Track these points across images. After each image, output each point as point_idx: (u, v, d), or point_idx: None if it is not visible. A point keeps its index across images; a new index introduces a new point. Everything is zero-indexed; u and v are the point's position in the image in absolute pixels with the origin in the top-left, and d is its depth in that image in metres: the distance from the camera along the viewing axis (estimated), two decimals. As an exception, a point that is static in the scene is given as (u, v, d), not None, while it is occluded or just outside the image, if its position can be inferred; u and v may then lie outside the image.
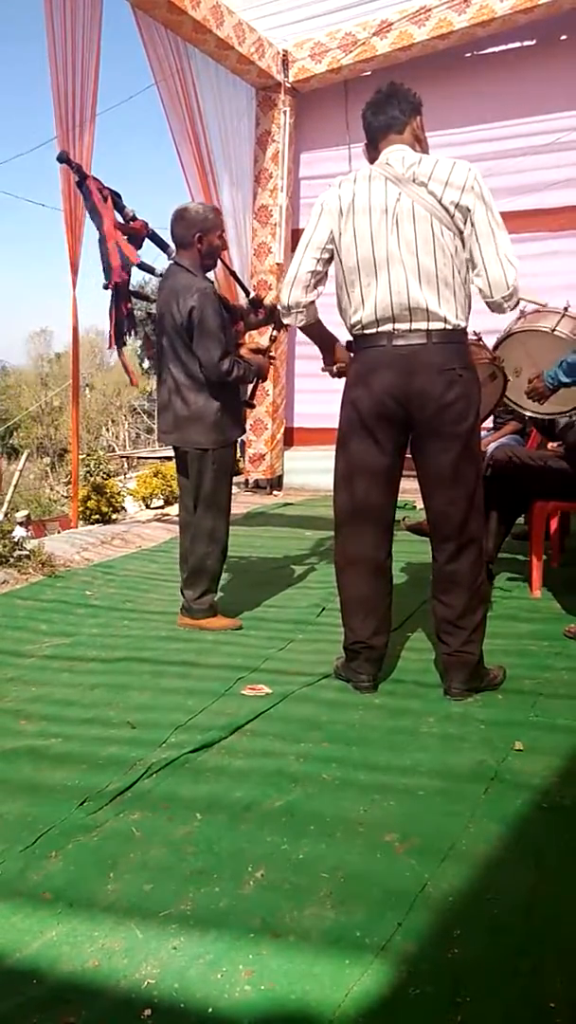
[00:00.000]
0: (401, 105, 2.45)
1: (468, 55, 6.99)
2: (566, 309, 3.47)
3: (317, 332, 2.70)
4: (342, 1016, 1.26)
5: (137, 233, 4.06)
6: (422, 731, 2.28)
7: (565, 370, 2.95)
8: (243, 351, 3.41)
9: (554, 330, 3.41)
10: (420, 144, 2.48)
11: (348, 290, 2.43)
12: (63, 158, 4.62)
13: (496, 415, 4.48)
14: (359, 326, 2.43)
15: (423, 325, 2.34)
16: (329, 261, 2.48)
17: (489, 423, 4.70)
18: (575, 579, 3.87)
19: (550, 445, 4.19)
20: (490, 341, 3.64)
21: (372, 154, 2.50)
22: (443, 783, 1.96)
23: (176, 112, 6.57)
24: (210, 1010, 1.28)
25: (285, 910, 1.51)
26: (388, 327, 2.37)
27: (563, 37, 6.67)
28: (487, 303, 2.40)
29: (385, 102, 2.46)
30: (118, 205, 4.10)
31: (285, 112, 7.42)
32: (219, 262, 3.41)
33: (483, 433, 4.48)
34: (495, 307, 2.40)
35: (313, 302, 2.54)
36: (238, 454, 8.09)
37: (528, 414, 3.70)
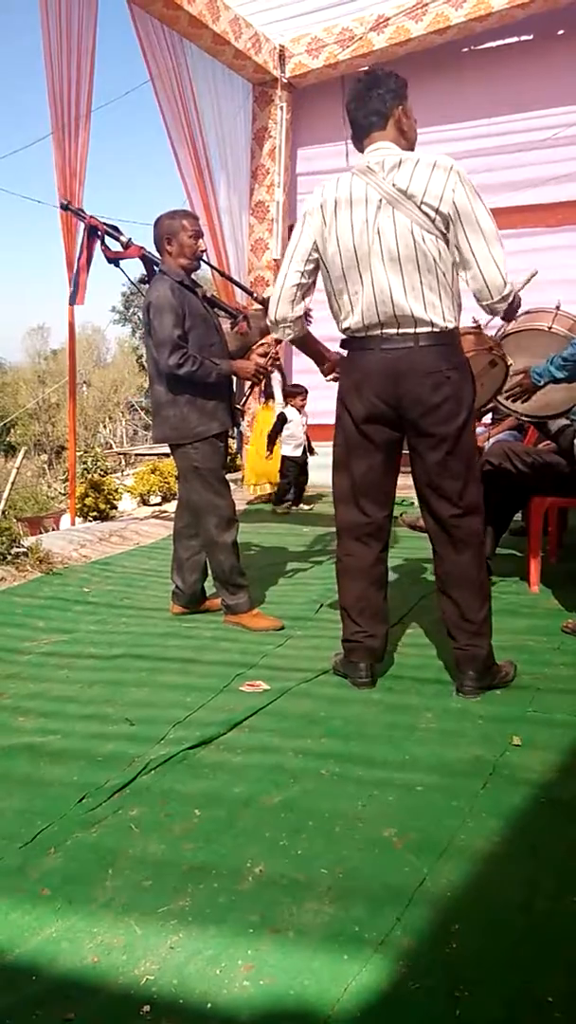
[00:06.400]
0: (384, 96, 2.37)
1: (465, 50, 6.98)
2: (558, 307, 3.47)
3: (307, 345, 2.70)
4: (341, 1011, 1.27)
5: (132, 258, 4.12)
6: (420, 726, 2.28)
7: (558, 365, 2.93)
8: (253, 356, 3.40)
9: (550, 328, 3.41)
10: (404, 136, 2.41)
11: (336, 298, 2.43)
12: (66, 207, 5.10)
13: (495, 410, 4.47)
14: (349, 331, 2.44)
15: (410, 330, 2.33)
16: (315, 271, 2.47)
17: (487, 418, 4.70)
18: (573, 575, 3.87)
19: (542, 445, 4.18)
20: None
21: (358, 147, 2.46)
22: (441, 778, 1.97)
23: (172, 108, 6.55)
24: (209, 1006, 1.29)
25: (284, 905, 1.52)
26: (376, 332, 2.37)
27: (560, 32, 6.66)
28: (482, 305, 2.37)
29: (367, 94, 2.39)
30: (114, 236, 4.20)
31: (282, 108, 7.41)
32: (209, 266, 3.45)
33: (480, 429, 4.48)
34: (490, 309, 2.37)
35: (300, 316, 2.54)
36: (233, 448, 8.07)
37: (523, 418, 3.70)
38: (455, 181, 2.25)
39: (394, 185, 2.28)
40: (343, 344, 2.53)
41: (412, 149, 2.43)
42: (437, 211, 2.25)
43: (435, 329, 2.33)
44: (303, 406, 6.50)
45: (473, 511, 2.46)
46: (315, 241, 2.41)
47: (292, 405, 6.45)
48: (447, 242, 2.30)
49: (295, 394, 6.50)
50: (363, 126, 2.42)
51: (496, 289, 2.30)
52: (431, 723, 2.30)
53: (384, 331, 2.36)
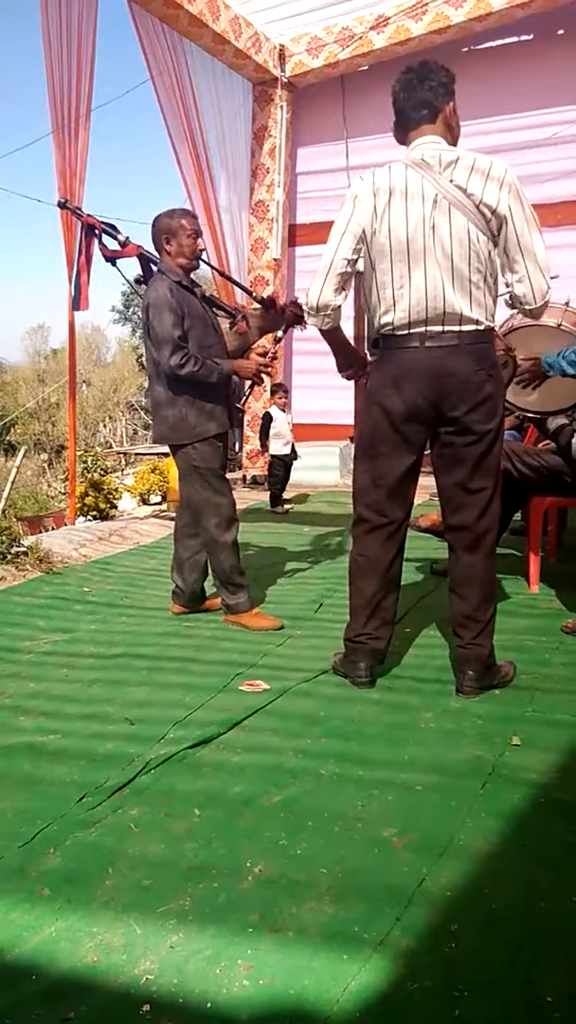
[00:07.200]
0: (436, 89, 2.34)
1: (465, 50, 6.98)
2: (567, 304, 3.46)
3: (339, 339, 2.62)
4: (340, 1011, 1.27)
5: (130, 257, 4.12)
6: (420, 726, 2.28)
7: (569, 361, 2.94)
8: (253, 355, 3.40)
9: (560, 325, 3.40)
10: (451, 132, 2.39)
11: (379, 291, 2.38)
12: (63, 204, 5.04)
13: None
14: (389, 327, 2.39)
15: (455, 328, 2.32)
16: (359, 259, 2.41)
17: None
18: (572, 575, 3.87)
19: (542, 444, 4.18)
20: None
21: (401, 137, 2.43)
22: (441, 778, 1.97)
23: (172, 108, 6.55)
24: (209, 1005, 1.29)
25: (283, 905, 1.52)
26: (420, 329, 2.35)
27: (560, 32, 6.67)
28: (524, 309, 2.38)
29: (418, 85, 2.35)
30: (111, 235, 4.19)
31: (282, 107, 7.41)
32: (209, 265, 3.43)
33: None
34: (532, 313, 2.38)
35: (340, 305, 2.46)
36: (236, 448, 8.08)
37: (527, 415, 3.69)
38: (508, 187, 2.26)
39: (452, 182, 2.27)
40: (375, 343, 2.48)
41: (455, 145, 2.41)
42: (494, 213, 2.26)
43: (479, 327, 2.34)
44: (285, 404, 6.53)
45: (495, 513, 2.46)
46: (363, 229, 2.36)
47: (275, 404, 6.45)
48: (494, 244, 2.31)
49: (274, 392, 6.54)
50: (411, 117, 2.38)
51: (541, 295, 2.34)
52: (431, 723, 2.30)
53: (428, 328, 2.34)
